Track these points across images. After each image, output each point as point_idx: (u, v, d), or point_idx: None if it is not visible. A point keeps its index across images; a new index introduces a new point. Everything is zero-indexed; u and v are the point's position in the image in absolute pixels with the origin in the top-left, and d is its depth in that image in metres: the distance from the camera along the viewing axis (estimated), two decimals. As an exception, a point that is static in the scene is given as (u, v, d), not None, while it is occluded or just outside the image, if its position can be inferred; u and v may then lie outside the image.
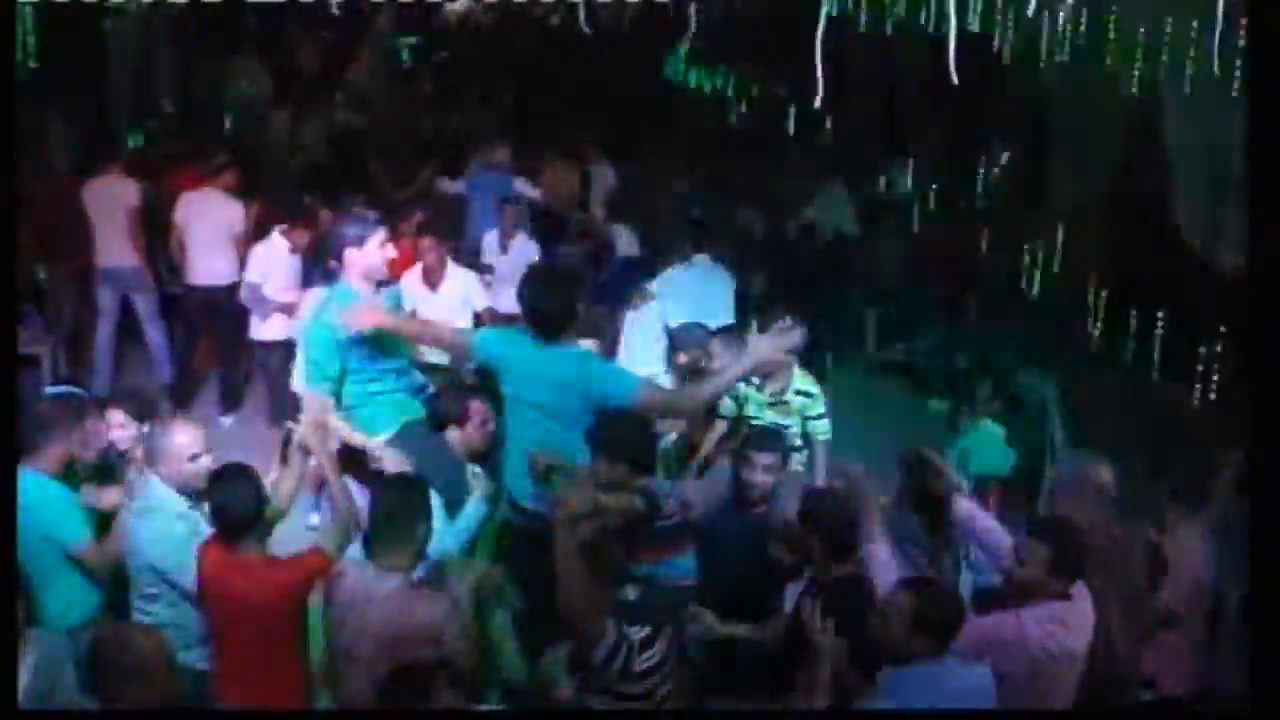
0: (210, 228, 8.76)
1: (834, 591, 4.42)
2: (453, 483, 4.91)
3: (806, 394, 6.31)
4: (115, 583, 4.93)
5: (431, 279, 7.97)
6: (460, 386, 5.89)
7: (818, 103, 6.11)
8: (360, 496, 4.91)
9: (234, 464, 4.66)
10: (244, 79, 12.58)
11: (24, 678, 3.90)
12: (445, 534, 4.84)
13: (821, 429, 6.38)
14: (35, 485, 4.80)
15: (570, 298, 5.21)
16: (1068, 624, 4.26)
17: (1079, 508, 4.83)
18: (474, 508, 5.00)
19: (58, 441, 4.90)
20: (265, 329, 8.23)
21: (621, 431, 4.80)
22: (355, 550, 4.64)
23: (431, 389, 5.81)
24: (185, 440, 4.76)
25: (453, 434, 5.34)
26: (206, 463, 4.72)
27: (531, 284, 5.19)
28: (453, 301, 7.93)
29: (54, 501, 4.85)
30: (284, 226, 8.23)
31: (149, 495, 4.73)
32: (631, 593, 4.25)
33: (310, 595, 4.55)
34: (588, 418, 4.90)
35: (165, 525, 4.60)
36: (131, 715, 3.84)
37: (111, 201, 8.96)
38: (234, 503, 4.42)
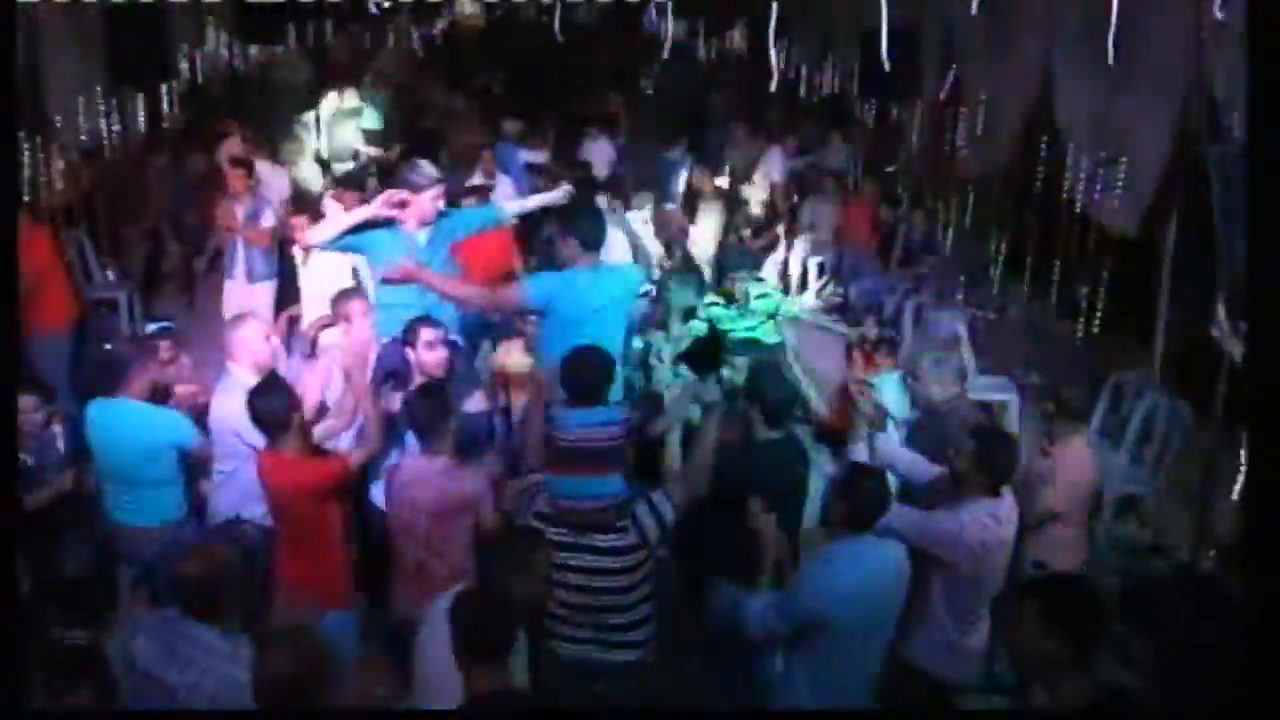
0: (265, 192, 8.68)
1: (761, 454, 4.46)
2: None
3: (764, 295, 6.34)
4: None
5: None
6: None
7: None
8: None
9: (268, 376, 4.78)
10: (288, 67, 12.50)
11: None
12: None
13: (786, 305, 6.43)
14: (133, 411, 4.97)
15: (604, 224, 5.58)
16: (998, 518, 4.26)
17: None
18: None
19: (141, 372, 5.07)
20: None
21: (581, 371, 4.27)
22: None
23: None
24: (253, 332, 5.15)
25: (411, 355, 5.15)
26: (275, 342, 5.33)
27: (579, 217, 5.50)
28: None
29: (158, 415, 5.07)
30: (335, 192, 8.12)
31: (228, 378, 5.09)
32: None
33: (342, 492, 4.53)
34: (629, 314, 5.43)
35: (242, 400, 4.65)
36: (131, 715, 3.58)
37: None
38: (269, 407, 4.44)
